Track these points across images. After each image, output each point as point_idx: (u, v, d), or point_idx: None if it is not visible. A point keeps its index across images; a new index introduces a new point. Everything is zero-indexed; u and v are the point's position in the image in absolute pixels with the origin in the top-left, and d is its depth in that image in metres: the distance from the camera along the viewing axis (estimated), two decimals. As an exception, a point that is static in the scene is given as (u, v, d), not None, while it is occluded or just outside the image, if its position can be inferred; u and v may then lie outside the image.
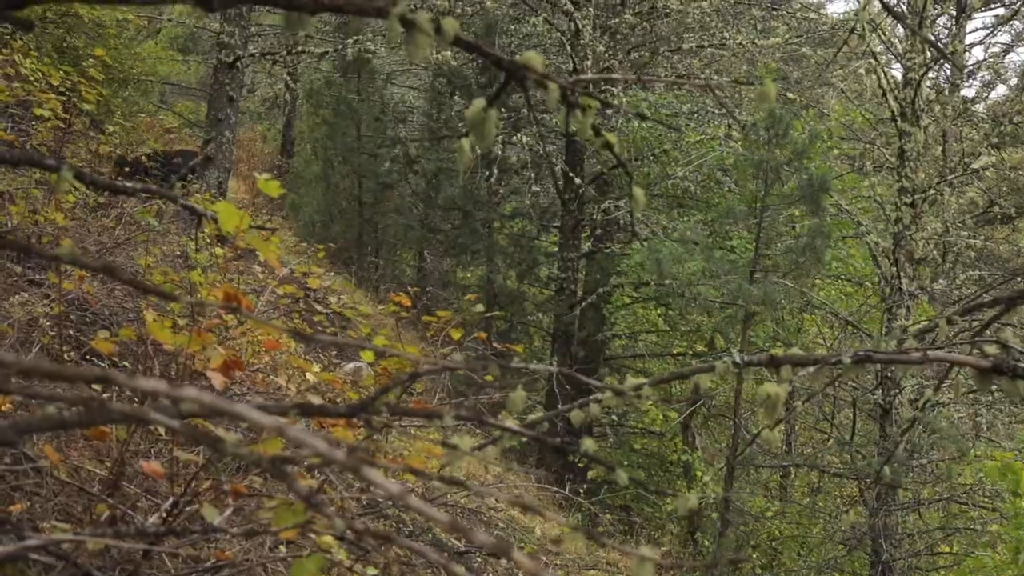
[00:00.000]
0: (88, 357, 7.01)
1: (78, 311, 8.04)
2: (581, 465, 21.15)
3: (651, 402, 21.79)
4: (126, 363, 6.01)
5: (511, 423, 5.65)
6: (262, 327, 4.49)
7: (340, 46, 18.66)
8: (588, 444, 2.96)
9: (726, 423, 20.87)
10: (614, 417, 22.96)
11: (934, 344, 4.25)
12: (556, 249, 22.71)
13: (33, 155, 2.72)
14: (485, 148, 2.54)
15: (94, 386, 4.79)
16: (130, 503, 3.90)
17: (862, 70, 18.54)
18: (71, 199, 9.79)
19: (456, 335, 6.59)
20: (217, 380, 3.70)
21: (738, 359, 4.07)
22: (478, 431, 17.57)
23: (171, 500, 3.49)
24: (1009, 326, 5.38)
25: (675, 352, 21.67)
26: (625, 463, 21.29)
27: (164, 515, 3.47)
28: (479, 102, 2.98)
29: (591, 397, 4.22)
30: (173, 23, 28.10)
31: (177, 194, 3.12)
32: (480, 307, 7.24)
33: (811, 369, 3.86)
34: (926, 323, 17.14)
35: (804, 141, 14.61)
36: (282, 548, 4.29)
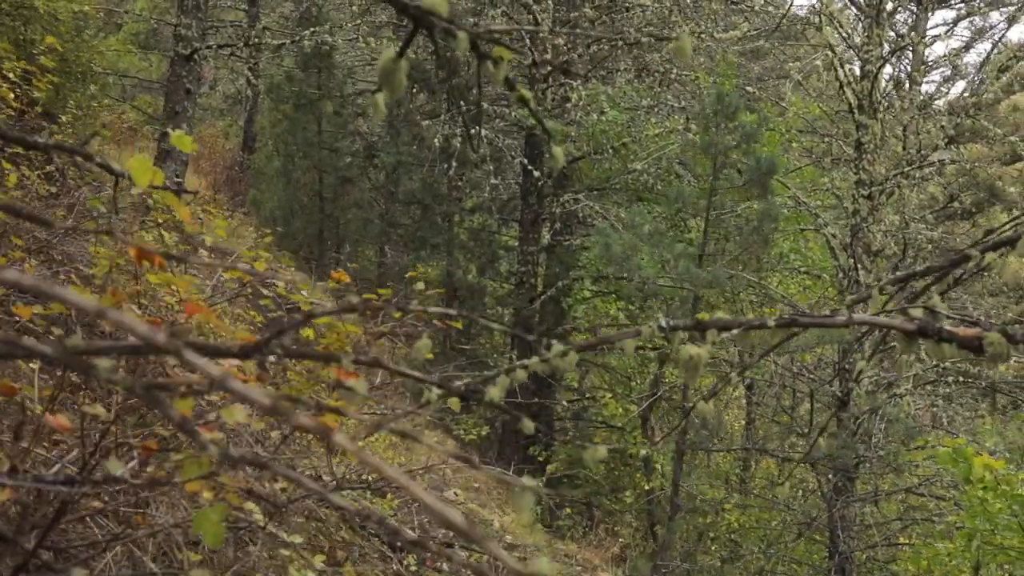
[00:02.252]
0: (17, 328, 6.96)
1: (19, 295, 7.99)
2: (540, 459, 21.18)
3: (610, 396, 21.77)
4: (51, 332, 5.95)
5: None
6: (174, 282, 4.45)
7: (298, 38, 18.61)
8: (494, 393, 2.95)
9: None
10: (577, 407, 23.02)
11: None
12: (516, 243, 22.72)
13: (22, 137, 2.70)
14: (395, 98, 2.53)
15: None
16: (32, 460, 3.87)
17: (819, 62, 18.64)
18: (12, 180, 9.72)
19: (397, 316, 6.57)
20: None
21: (663, 323, 4.07)
22: (436, 427, 17.43)
23: (75, 452, 3.47)
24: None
25: (636, 347, 21.67)
26: (584, 457, 21.27)
27: (70, 468, 3.45)
28: (389, 52, 2.97)
29: (518, 363, 4.21)
30: (133, 17, 28.03)
31: (91, 152, 3.10)
32: (420, 284, 7.20)
33: (736, 332, 3.86)
34: (860, 294, 17.23)
35: (752, 125, 14.66)
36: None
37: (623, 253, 14.18)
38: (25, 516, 3.26)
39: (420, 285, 7.75)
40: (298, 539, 6.03)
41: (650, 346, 21.06)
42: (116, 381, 1.82)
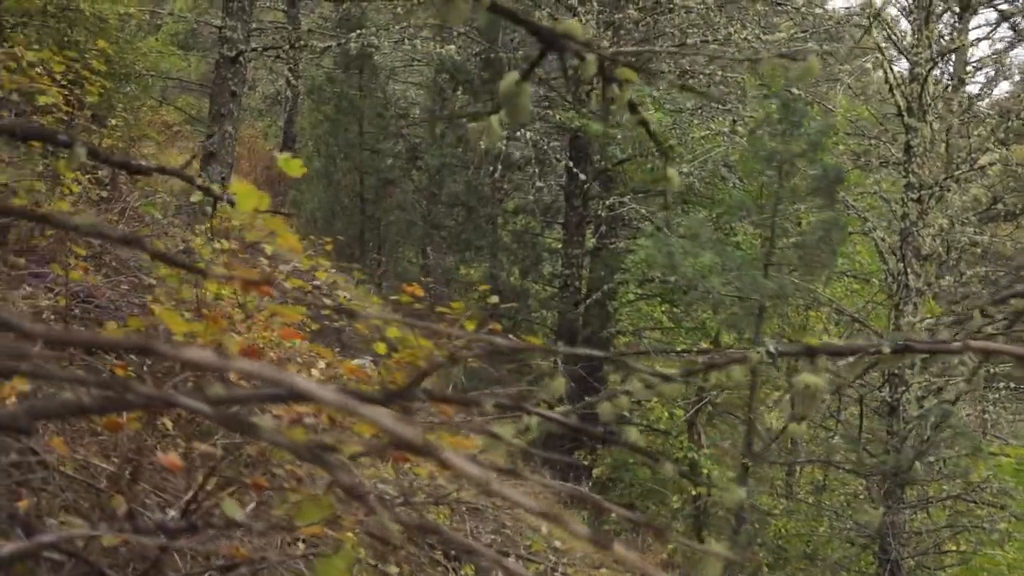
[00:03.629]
0: (93, 351, 6.87)
1: (82, 304, 7.92)
2: (586, 464, 21.03)
3: (655, 400, 21.67)
4: (132, 355, 5.86)
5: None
6: (277, 312, 4.34)
7: (343, 40, 18.52)
8: (634, 434, 2.83)
9: (732, 420, 20.76)
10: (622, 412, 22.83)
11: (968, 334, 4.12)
12: (560, 245, 22.58)
13: (44, 129, 2.60)
14: (519, 122, 2.41)
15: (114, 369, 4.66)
16: (140, 500, 3.77)
17: (869, 64, 18.45)
18: (75, 189, 9.66)
19: (470, 326, 6.46)
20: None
21: (772, 349, 3.94)
22: (481, 432, 17.45)
23: (190, 494, 3.36)
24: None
25: (680, 349, 21.50)
26: (630, 461, 21.15)
27: (182, 510, 3.34)
28: (512, 75, 2.84)
29: (619, 388, 4.08)
30: (175, 18, 27.98)
31: (193, 175, 2.99)
32: (495, 298, 7.10)
33: (850, 359, 3.73)
34: (959, 316, 17.09)
35: (818, 133, 14.47)
36: (300, 545, 4.16)
37: (687, 262, 14.00)
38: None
39: (481, 288, 7.63)
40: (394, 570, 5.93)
41: (694, 350, 20.91)
42: (279, 443, 1.70)
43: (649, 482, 21.37)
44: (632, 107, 3.11)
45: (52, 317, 6.92)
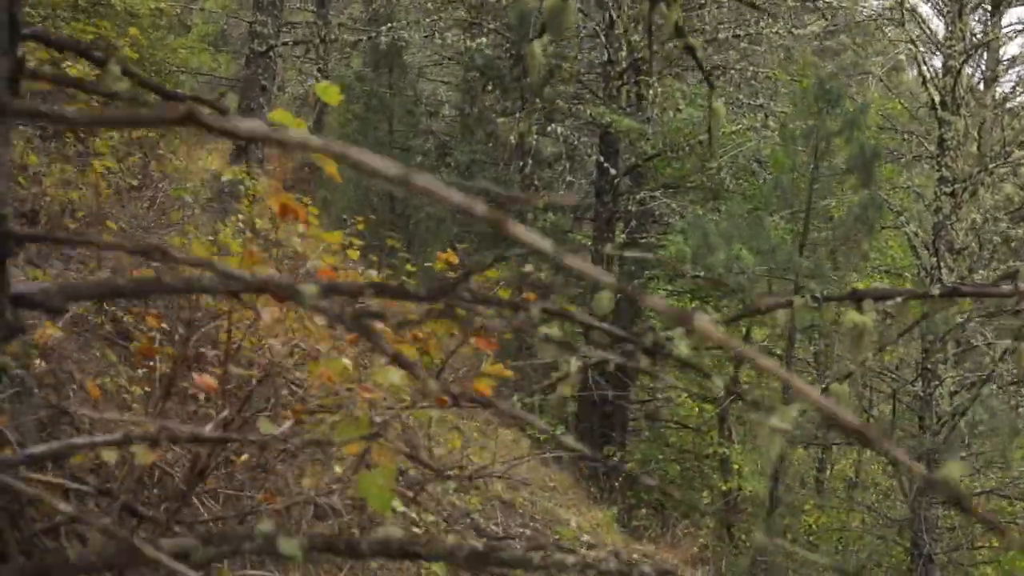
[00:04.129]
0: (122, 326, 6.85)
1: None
2: (616, 458, 20.97)
3: (685, 395, 21.54)
4: (164, 325, 5.84)
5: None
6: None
7: (373, 34, 18.53)
8: (683, 347, 2.80)
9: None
10: (652, 407, 22.82)
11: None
12: (590, 242, 22.50)
13: (79, 41, 2.57)
14: (559, 37, 2.35)
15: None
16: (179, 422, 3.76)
17: (902, 56, 18.36)
18: (98, 168, 9.68)
19: (504, 294, 6.43)
20: (267, 314, 3.55)
21: (817, 294, 3.89)
22: (511, 426, 17.25)
23: (226, 412, 3.34)
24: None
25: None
26: (660, 457, 21.10)
27: (218, 426, 3.32)
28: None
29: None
30: (205, 17, 28.08)
31: (227, 107, 2.96)
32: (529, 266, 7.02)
33: (898, 300, 3.67)
34: (1010, 269, 16.98)
35: (856, 110, 14.38)
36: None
37: (721, 244, 13.92)
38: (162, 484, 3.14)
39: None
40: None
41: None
42: (322, 309, 1.67)
43: (678, 478, 21.31)
44: (678, 31, 3.08)
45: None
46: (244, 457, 3.95)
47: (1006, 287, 3.91)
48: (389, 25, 18.43)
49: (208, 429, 3.09)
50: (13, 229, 1.87)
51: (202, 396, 3.75)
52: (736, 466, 19.21)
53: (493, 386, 4.01)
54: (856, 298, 3.73)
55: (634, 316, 21.58)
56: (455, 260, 6.09)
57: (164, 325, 4.82)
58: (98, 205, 9.38)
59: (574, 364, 4.58)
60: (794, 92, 18.47)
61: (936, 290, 3.82)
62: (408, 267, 13.41)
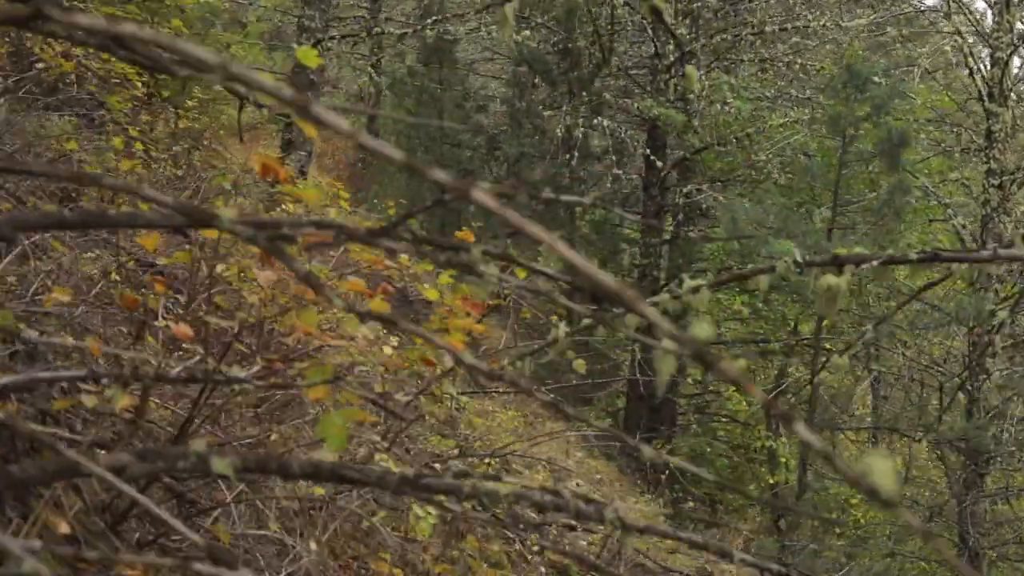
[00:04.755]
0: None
1: (148, 268, 8.06)
2: (664, 452, 20.99)
3: (733, 389, 21.51)
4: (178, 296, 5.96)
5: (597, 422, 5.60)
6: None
7: (420, 27, 18.63)
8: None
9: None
10: (700, 401, 22.82)
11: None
12: (638, 235, 22.54)
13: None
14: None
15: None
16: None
17: (948, 47, 18.29)
18: (144, 171, 9.88)
19: (521, 275, 6.50)
20: (263, 278, 3.68)
21: (798, 258, 3.98)
22: (559, 415, 17.37)
23: (198, 357, 3.47)
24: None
25: (758, 340, 21.41)
26: (707, 451, 21.10)
27: (187, 369, 3.43)
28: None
29: (651, 299, 4.11)
30: (256, 12, 28.27)
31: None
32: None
33: (874, 263, 3.73)
34: (1005, 240, 16.83)
35: (884, 95, 14.33)
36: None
37: (750, 228, 13.94)
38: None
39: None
40: (432, 519, 5.99)
41: (774, 340, 20.81)
42: (238, 232, 1.77)
43: (726, 471, 21.29)
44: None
45: (117, 279, 7.06)
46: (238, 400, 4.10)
47: (985, 252, 3.98)
48: (435, 18, 18.55)
49: (176, 371, 3.21)
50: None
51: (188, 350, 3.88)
52: (783, 459, 19.19)
53: (464, 341, 4.11)
54: (837, 263, 3.80)
55: (682, 311, 21.58)
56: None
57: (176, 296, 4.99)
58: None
59: (562, 329, 4.67)
60: (824, 78, 18.44)
61: (914, 255, 3.89)
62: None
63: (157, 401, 4.33)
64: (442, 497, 2.20)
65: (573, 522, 11.08)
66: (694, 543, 4.14)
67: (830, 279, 3.73)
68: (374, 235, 2.16)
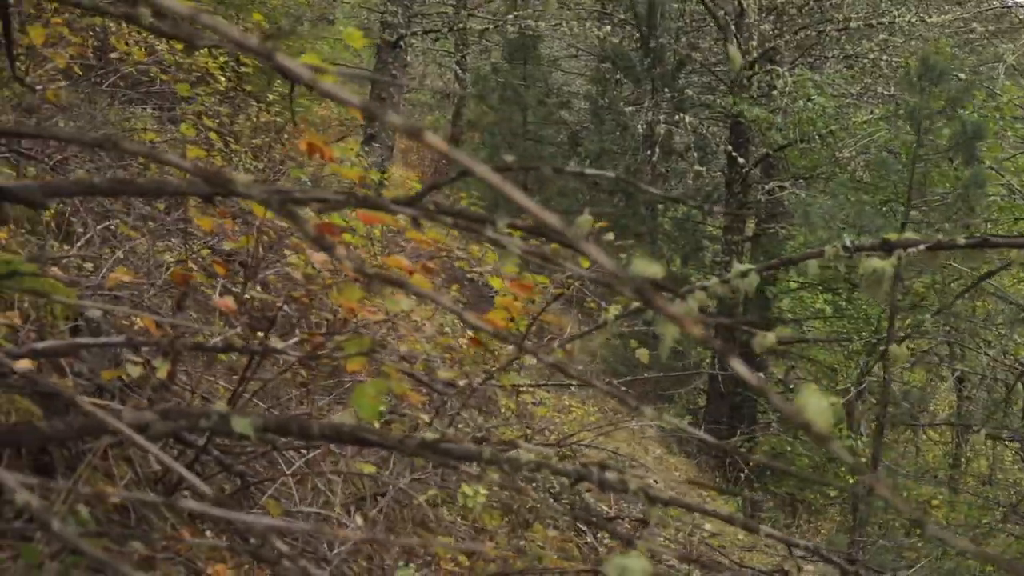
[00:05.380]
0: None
1: (226, 258, 8.17)
2: (743, 450, 20.89)
3: (814, 387, 21.42)
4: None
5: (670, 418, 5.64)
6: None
7: (500, 22, 18.73)
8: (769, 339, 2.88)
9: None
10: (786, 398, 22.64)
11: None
12: (720, 232, 22.49)
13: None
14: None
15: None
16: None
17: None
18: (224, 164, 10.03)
19: (585, 264, 6.51)
20: (316, 258, 3.74)
21: (848, 243, 3.97)
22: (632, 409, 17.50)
23: (237, 328, 3.54)
24: None
25: (840, 338, 21.24)
26: (788, 450, 20.97)
27: (226, 341, 3.51)
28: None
29: (698, 284, 4.15)
30: (343, 12, 28.49)
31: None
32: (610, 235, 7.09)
33: (921, 248, 3.73)
34: None
35: (960, 89, 14.14)
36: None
37: (822, 223, 13.85)
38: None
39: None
40: (482, 496, 6.02)
41: (858, 339, 20.61)
42: (252, 195, 1.82)
43: (806, 470, 21.14)
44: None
45: (192, 267, 7.17)
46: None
47: (1033, 237, 3.95)
48: (516, 13, 18.62)
49: (216, 340, 3.28)
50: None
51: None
52: (863, 459, 19.02)
53: (504, 318, 4.15)
54: (886, 248, 3.80)
55: (763, 309, 21.52)
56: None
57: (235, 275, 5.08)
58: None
59: (613, 311, 4.69)
60: (900, 71, 18.24)
61: (962, 240, 3.88)
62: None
63: (211, 377, 4.44)
64: (461, 462, 2.23)
65: (646, 517, 11.06)
66: (743, 523, 4.16)
67: (875, 262, 3.72)
68: (398, 204, 2.19)
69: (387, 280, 1.96)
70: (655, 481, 14.80)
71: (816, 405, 1.58)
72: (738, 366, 1.65)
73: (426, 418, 4.70)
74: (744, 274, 4.27)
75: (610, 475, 2.40)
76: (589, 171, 2.89)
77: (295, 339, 3.34)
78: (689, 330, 1.66)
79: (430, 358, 4.80)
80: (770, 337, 3.14)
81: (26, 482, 1.67)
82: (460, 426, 6.74)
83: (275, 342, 3.10)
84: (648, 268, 1.76)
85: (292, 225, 1.83)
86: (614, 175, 2.72)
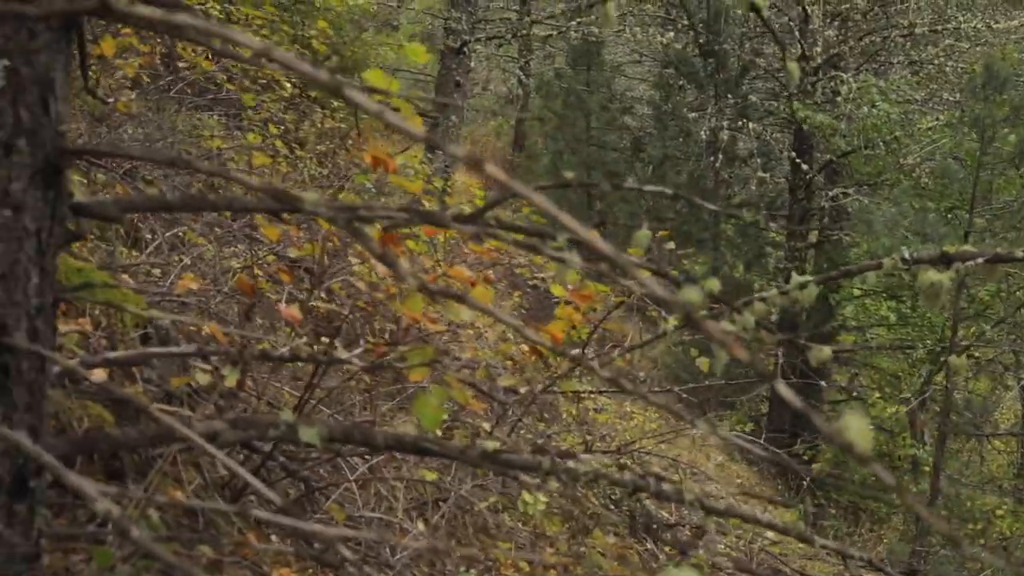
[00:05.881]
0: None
1: (291, 264, 8.27)
2: (806, 458, 20.80)
3: (878, 395, 21.22)
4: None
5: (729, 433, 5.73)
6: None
7: (563, 28, 18.80)
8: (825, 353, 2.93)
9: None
10: (844, 408, 22.54)
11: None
12: (783, 239, 22.42)
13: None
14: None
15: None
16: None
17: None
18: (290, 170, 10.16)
19: (637, 252, 6.54)
20: (380, 268, 3.82)
21: (907, 255, 4.00)
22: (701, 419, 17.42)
23: (303, 339, 3.62)
24: None
25: (904, 345, 21.11)
26: (847, 459, 20.84)
27: (291, 350, 3.59)
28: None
29: (757, 296, 4.19)
30: (409, 17, 28.65)
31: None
32: (671, 244, 7.14)
33: (980, 261, 3.75)
34: None
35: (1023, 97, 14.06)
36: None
37: (884, 231, 13.79)
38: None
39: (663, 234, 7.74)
40: (542, 504, 6.07)
41: (922, 347, 20.47)
42: (320, 213, 1.88)
43: (870, 479, 21.01)
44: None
45: (258, 273, 7.28)
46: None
47: (1095, 249, 3.97)
48: (578, 20, 18.68)
49: (283, 350, 3.36)
50: (67, 145, 2.14)
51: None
52: (927, 469, 18.90)
53: (565, 329, 4.20)
54: (945, 260, 3.82)
55: (826, 316, 21.43)
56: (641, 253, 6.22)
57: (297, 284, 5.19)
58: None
59: (672, 321, 4.74)
60: (965, 78, 18.14)
61: (1020, 252, 3.89)
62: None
63: (276, 384, 4.52)
64: (521, 472, 2.28)
65: (705, 525, 11.06)
66: (797, 534, 4.17)
67: (932, 275, 3.75)
68: (458, 220, 2.25)
69: (448, 295, 2.02)
70: (715, 489, 14.79)
71: (857, 426, 1.62)
72: (783, 390, 1.69)
73: (487, 426, 4.76)
74: (803, 286, 4.30)
75: (667, 487, 2.45)
76: (647, 187, 2.93)
77: (360, 349, 3.41)
78: (736, 354, 1.70)
79: (491, 366, 4.86)
80: (825, 351, 3.17)
81: (104, 490, 1.73)
82: (522, 432, 6.81)
83: (340, 352, 3.17)
84: (692, 295, 1.81)
85: (358, 241, 1.89)
86: (671, 191, 2.76)
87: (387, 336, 4.87)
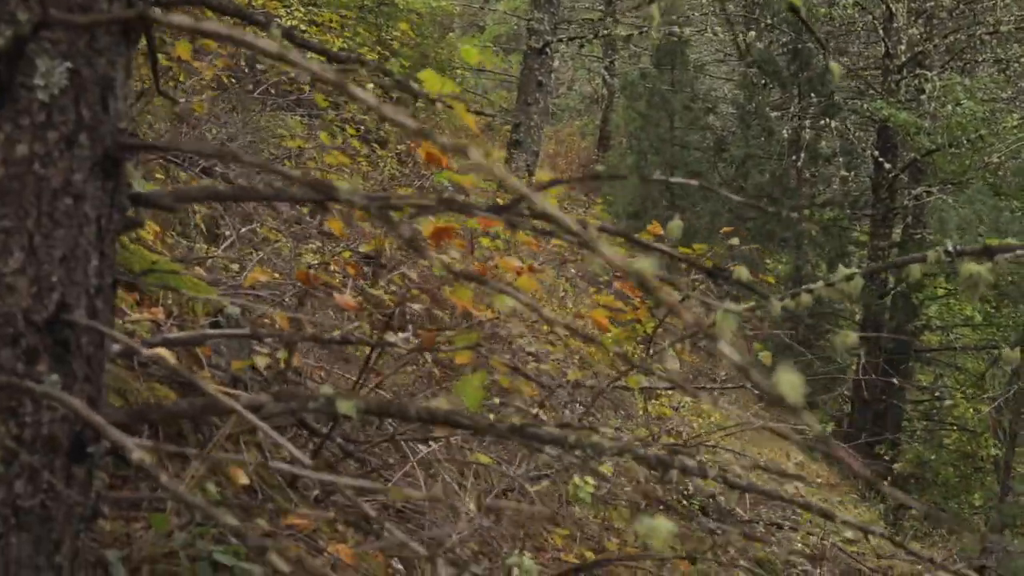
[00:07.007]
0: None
1: (364, 260, 8.47)
2: (887, 458, 20.73)
3: (960, 395, 21.09)
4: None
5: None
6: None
7: (645, 28, 18.87)
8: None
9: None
10: (927, 408, 22.49)
11: None
12: (867, 238, 22.34)
13: (241, 8, 3.00)
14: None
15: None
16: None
17: None
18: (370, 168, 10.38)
19: (700, 249, 6.67)
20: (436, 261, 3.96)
21: (951, 248, 4.10)
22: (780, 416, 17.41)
23: (356, 324, 3.79)
24: None
25: (988, 345, 20.99)
26: (932, 459, 20.76)
27: (342, 335, 3.76)
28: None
29: (804, 288, 4.31)
30: (495, 19, 28.89)
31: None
32: (735, 240, 7.22)
33: (1018, 252, 3.85)
34: None
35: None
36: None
37: (958, 231, 13.75)
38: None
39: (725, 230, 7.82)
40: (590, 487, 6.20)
41: (1006, 347, 20.29)
42: (354, 202, 2.04)
43: (953, 480, 20.92)
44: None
45: (334, 268, 7.48)
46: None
47: None
48: (659, 20, 18.75)
49: (333, 335, 3.53)
50: (125, 139, 2.32)
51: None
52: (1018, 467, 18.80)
53: (608, 316, 4.33)
54: (989, 253, 3.92)
55: (910, 315, 21.34)
56: (660, 232, 6.38)
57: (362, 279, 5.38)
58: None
59: (723, 311, 4.87)
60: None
61: (1072, 246, 3.99)
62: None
63: (338, 371, 4.70)
64: (547, 446, 2.42)
65: (781, 521, 11.12)
66: (858, 527, 4.27)
67: (971, 266, 3.86)
68: (494, 211, 2.40)
69: (469, 277, 2.17)
70: (796, 487, 14.77)
71: (789, 380, 1.74)
72: (723, 347, 1.81)
73: (533, 409, 4.90)
74: (849, 278, 4.42)
75: (690, 462, 2.58)
76: (723, 192, 3.08)
77: (406, 334, 3.58)
78: (683, 318, 1.83)
79: (538, 353, 5.01)
80: (852, 336, 3.28)
81: (154, 446, 1.92)
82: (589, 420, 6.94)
83: (390, 337, 3.34)
84: (644, 264, 1.93)
85: (388, 229, 2.05)
86: (742, 199, 2.90)
87: (442, 324, 5.04)
